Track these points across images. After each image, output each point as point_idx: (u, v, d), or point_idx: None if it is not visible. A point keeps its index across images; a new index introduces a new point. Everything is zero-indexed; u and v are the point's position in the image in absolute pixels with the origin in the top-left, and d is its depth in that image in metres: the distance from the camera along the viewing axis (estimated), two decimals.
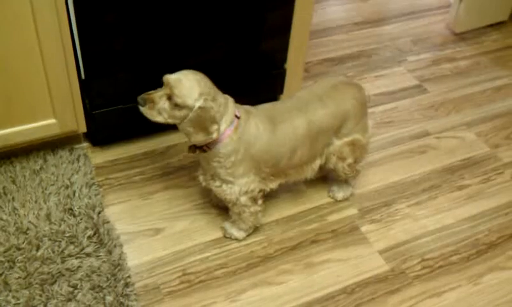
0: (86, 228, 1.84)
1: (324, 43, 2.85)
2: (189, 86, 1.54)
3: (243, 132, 1.64)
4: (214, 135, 1.59)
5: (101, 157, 2.12)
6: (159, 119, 1.60)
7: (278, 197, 1.99)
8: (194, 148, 1.68)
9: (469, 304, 1.73)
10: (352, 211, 1.99)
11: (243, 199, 1.73)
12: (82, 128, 2.04)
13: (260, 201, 1.78)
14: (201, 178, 1.79)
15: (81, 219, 1.86)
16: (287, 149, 1.72)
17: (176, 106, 1.55)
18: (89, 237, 1.81)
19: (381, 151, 2.24)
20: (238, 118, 1.63)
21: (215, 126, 1.58)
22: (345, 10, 3.14)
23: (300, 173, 1.83)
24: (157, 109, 1.58)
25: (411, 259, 1.84)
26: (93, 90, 1.95)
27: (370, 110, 2.38)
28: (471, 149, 2.28)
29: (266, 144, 1.68)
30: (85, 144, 2.15)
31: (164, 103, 1.56)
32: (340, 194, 1.99)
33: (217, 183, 1.73)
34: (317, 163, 1.84)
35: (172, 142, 2.20)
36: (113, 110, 2.03)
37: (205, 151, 1.66)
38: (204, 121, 1.56)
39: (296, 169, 1.80)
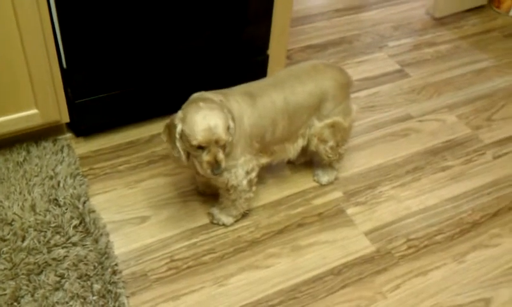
0: (72, 218, 1.83)
1: (305, 30, 2.86)
2: (222, 124, 1.54)
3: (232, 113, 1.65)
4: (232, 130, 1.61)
5: (85, 147, 2.11)
6: (224, 164, 1.60)
7: (264, 183, 2.00)
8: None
9: (454, 282, 1.76)
10: (337, 194, 2.01)
11: (245, 182, 1.73)
12: (65, 118, 2.02)
13: (254, 187, 1.79)
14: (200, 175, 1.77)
15: (66, 209, 1.85)
16: (269, 122, 1.73)
17: (225, 146, 1.58)
18: (75, 227, 1.80)
19: (364, 135, 2.26)
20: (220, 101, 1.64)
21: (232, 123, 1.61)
22: None
23: (283, 151, 1.84)
24: (223, 161, 1.58)
25: (396, 240, 1.86)
26: (75, 79, 1.93)
27: (353, 95, 2.40)
28: (453, 132, 2.31)
29: (251, 116, 1.68)
30: (68, 135, 2.14)
31: (221, 153, 1.57)
32: (324, 178, 2.01)
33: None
34: (299, 143, 1.85)
35: (156, 131, 2.19)
36: (96, 100, 2.02)
37: None
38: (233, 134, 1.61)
39: (279, 146, 1.81)
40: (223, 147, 1.57)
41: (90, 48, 1.88)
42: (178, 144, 1.59)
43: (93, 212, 1.86)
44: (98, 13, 1.82)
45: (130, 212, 1.89)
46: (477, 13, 3.06)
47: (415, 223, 1.92)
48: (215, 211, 1.86)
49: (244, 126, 1.67)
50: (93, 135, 2.15)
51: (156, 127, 2.20)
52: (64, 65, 1.89)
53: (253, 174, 1.76)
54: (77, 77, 1.93)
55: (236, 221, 1.88)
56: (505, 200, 2.03)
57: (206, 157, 1.56)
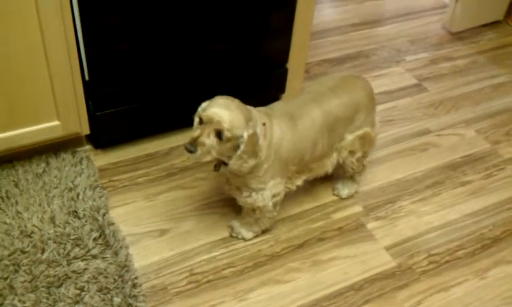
0: (91, 230, 1.82)
1: (322, 44, 2.86)
2: (235, 117, 1.50)
3: (271, 137, 1.63)
4: (262, 154, 1.58)
5: (104, 159, 2.11)
6: (208, 159, 1.55)
7: (283, 197, 1.98)
8: (221, 164, 1.65)
9: (476, 298, 1.73)
10: (357, 208, 2.00)
11: (271, 204, 1.73)
12: (86, 130, 2.03)
13: (278, 207, 1.78)
14: (226, 188, 1.77)
15: (86, 221, 1.85)
16: (309, 143, 1.72)
17: (227, 140, 1.51)
18: (94, 239, 1.80)
19: (383, 149, 2.25)
20: (264, 124, 1.61)
21: (259, 147, 1.58)
22: (342, 12, 3.16)
23: (322, 167, 1.83)
24: (208, 148, 1.51)
25: (417, 255, 1.85)
26: (96, 92, 1.94)
27: None
28: (471, 146, 2.29)
29: (291, 142, 1.67)
30: (87, 147, 2.14)
31: (212, 142, 1.51)
32: (345, 192, 2.00)
33: (246, 193, 1.70)
34: (335, 157, 1.85)
35: (175, 144, 2.19)
36: (116, 112, 2.02)
37: None
38: (254, 146, 1.55)
39: (317, 163, 1.81)
40: (220, 136, 1.50)
41: (112, 61, 1.89)
42: (195, 119, 1.58)
43: (113, 224, 1.85)
44: (121, 26, 1.83)
45: (149, 224, 1.89)
46: (493, 28, 3.06)
47: (435, 238, 1.91)
48: (235, 224, 1.85)
49: (282, 152, 1.66)
50: (112, 148, 2.15)
51: (175, 140, 2.20)
52: (87, 77, 1.90)
53: (279, 198, 1.75)
54: (99, 90, 1.94)
55: (255, 236, 1.87)
56: None
57: (194, 131, 1.52)
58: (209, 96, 2.12)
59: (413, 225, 1.95)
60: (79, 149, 2.12)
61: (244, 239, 1.85)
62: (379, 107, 2.43)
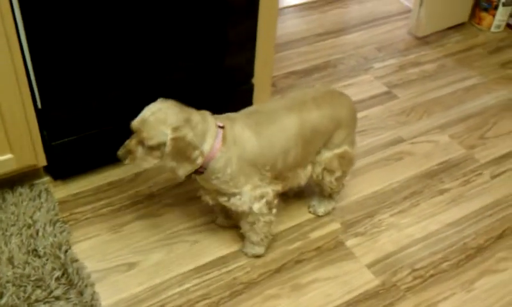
0: (53, 269, 1.69)
1: (287, 56, 2.79)
2: (155, 124, 1.47)
3: (231, 141, 1.56)
4: (199, 161, 1.51)
5: (64, 191, 1.98)
6: (145, 166, 1.55)
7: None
8: (193, 172, 1.58)
9: None
10: (335, 226, 1.91)
11: (256, 206, 1.63)
12: (42, 162, 1.90)
13: (274, 210, 1.68)
14: (207, 198, 1.70)
15: (47, 260, 1.72)
16: (279, 149, 1.63)
17: (152, 148, 1.50)
18: (57, 279, 1.67)
19: (358, 161, 2.17)
20: (222, 127, 1.55)
21: (196, 152, 1.49)
22: (306, 22, 3.09)
23: (296, 177, 1.74)
24: (138, 158, 1.53)
25: (401, 271, 1.76)
26: (51, 120, 1.81)
27: None
28: (447, 153, 2.24)
29: (257, 146, 1.59)
30: (46, 179, 2.01)
31: (140, 151, 1.52)
32: (321, 209, 1.91)
33: (225, 198, 1.64)
34: (309, 169, 1.76)
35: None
36: (74, 140, 1.90)
37: (201, 172, 1.57)
38: (183, 150, 1.48)
39: (292, 172, 1.71)
40: (143, 144, 1.50)
41: (66, 87, 1.77)
42: None
43: (76, 261, 1.72)
44: (73, 48, 1.71)
45: (115, 258, 1.76)
46: (459, 30, 3.03)
47: (418, 251, 1.83)
48: (244, 245, 1.78)
49: (247, 156, 1.58)
50: (72, 178, 2.02)
51: None
52: (39, 105, 1.77)
53: (269, 198, 1.64)
54: (53, 118, 1.81)
55: (229, 261, 1.76)
56: (508, 221, 1.95)
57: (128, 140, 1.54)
58: None
59: (394, 239, 1.87)
60: (36, 181, 1.99)
61: (255, 255, 1.77)
62: None
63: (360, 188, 2.05)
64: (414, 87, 2.60)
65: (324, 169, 1.75)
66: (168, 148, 1.47)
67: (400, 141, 2.28)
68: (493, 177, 2.13)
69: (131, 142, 1.52)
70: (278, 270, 1.75)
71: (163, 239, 1.83)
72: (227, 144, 1.55)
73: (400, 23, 3.08)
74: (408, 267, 1.78)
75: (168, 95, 1.98)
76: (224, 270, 1.74)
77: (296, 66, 2.71)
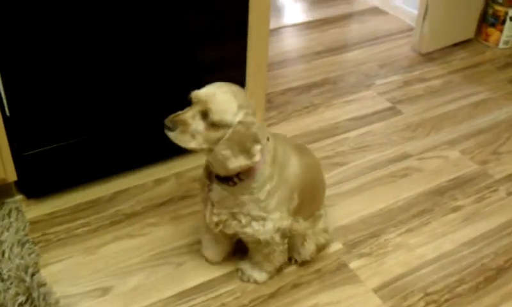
0: (17, 294, 1.49)
1: (285, 73, 2.64)
2: (225, 99, 1.27)
3: (275, 155, 1.39)
4: (257, 158, 1.29)
5: (38, 210, 1.79)
6: (193, 145, 1.29)
7: None
8: (219, 180, 1.38)
9: None
10: (337, 246, 1.71)
11: (277, 237, 1.44)
12: (12, 176, 1.72)
13: (286, 239, 1.50)
14: (213, 219, 1.45)
15: (11, 284, 1.52)
16: (311, 178, 1.53)
17: (213, 125, 1.27)
18: (20, 305, 1.47)
19: (359, 177, 1.99)
20: (267, 139, 1.38)
21: (258, 147, 1.29)
22: (304, 40, 2.96)
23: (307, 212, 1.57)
24: (190, 132, 1.28)
25: (412, 295, 1.56)
26: (21, 129, 1.64)
27: (342, 136, 2.17)
28: (458, 168, 2.05)
29: (296, 164, 1.45)
30: (18, 197, 1.82)
31: (198, 124, 1.28)
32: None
33: (244, 221, 1.41)
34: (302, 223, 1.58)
35: (121, 187, 1.89)
36: (47, 152, 1.72)
37: (234, 183, 1.36)
38: (245, 139, 1.28)
39: (307, 207, 1.54)
40: (205, 118, 1.27)
41: (36, 92, 1.60)
42: None
43: (44, 285, 1.53)
44: (42, 50, 1.55)
45: (89, 282, 1.56)
46: (465, 47, 2.88)
47: (431, 274, 1.62)
48: (245, 266, 1.57)
49: (286, 175, 1.41)
50: (47, 196, 1.83)
51: (121, 183, 1.90)
52: (7, 112, 1.60)
53: (288, 230, 1.48)
54: (24, 127, 1.64)
55: (218, 285, 1.56)
56: None
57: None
58: (159, 135, 1.87)
59: (404, 260, 1.67)
60: (7, 200, 1.81)
61: (257, 282, 1.56)
62: (352, 133, 2.21)
63: (362, 205, 1.86)
64: (420, 103, 2.43)
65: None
66: (231, 131, 1.27)
67: (406, 156, 2.10)
68: (510, 194, 1.94)
69: (187, 113, 1.28)
70: (273, 296, 1.55)
71: (144, 261, 1.63)
72: (271, 157, 1.37)
73: (402, 41, 2.94)
74: (419, 291, 1.57)
75: (154, 110, 1.84)
76: (211, 295, 1.54)
77: (293, 83, 2.55)
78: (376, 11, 3.26)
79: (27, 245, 1.65)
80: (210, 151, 1.31)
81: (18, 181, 1.79)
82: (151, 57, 1.75)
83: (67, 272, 1.59)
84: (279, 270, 1.59)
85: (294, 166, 1.44)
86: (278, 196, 1.40)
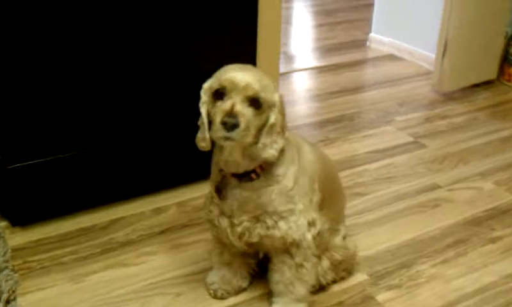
0: None
1: (297, 111, 2.49)
2: (261, 77, 1.13)
3: (291, 143, 1.23)
4: (287, 134, 1.17)
5: (24, 237, 1.60)
6: (249, 139, 1.11)
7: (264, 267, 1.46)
8: (239, 178, 1.19)
9: None
10: (361, 277, 1.48)
11: (309, 236, 1.24)
12: None
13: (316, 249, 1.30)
14: (236, 230, 1.24)
15: None
16: (328, 169, 1.38)
17: (260, 109, 1.11)
18: None
19: (384, 207, 1.78)
20: None
21: (286, 120, 1.18)
22: (318, 83, 2.83)
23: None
24: (250, 121, 1.10)
25: None
26: (6, 137, 1.48)
27: (361, 168, 1.99)
28: (493, 199, 1.84)
29: (312, 152, 1.30)
30: (3, 224, 1.63)
31: (249, 112, 1.10)
32: None
33: (270, 222, 1.21)
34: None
35: (117, 215, 1.70)
36: (35, 168, 1.54)
37: (257, 176, 1.18)
38: (283, 115, 1.16)
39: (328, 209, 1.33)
40: (253, 102, 1.10)
41: (21, 99, 1.45)
42: (202, 109, 1.16)
43: None
44: (33, 53, 1.42)
45: None
46: (488, 88, 2.73)
47: None
48: (280, 302, 1.32)
49: (303, 161, 1.24)
50: (36, 223, 1.64)
51: (117, 211, 1.71)
52: None
53: (317, 229, 1.26)
54: (8, 135, 1.48)
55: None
56: None
57: (223, 105, 1.09)
58: (160, 161, 1.72)
59: (440, 293, 1.43)
60: None
61: None
62: (372, 166, 2.03)
63: (389, 236, 1.64)
64: (444, 138, 2.25)
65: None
66: (276, 112, 1.13)
67: (435, 187, 1.90)
68: None
69: (236, 103, 1.08)
70: None
71: (138, 291, 1.41)
72: (289, 144, 1.22)
73: (421, 83, 2.80)
74: None
75: (144, 137, 1.67)
76: None
77: (306, 120, 2.40)
78: (391, 57, 3.15)
79: (5, 272, 1.44)
80: (245, 146, 1.14)
81: (3, 206, 1.61)
82: (150, 76, 1.61)
83: (47, 301, 1.37)
84: None
85: (307, 153, 1.28)
86: (303, 184, 1.22)
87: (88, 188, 1.68)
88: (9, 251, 1.53)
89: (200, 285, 1.43)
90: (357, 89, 2.74)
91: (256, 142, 1.13)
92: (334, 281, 1.42)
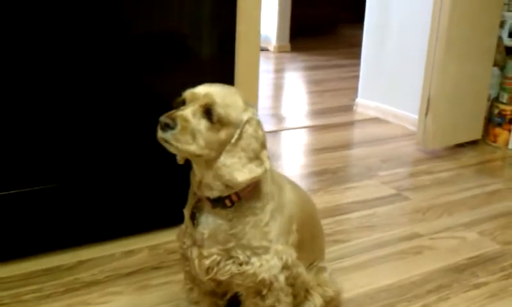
0: None
1: (283, 164, 2.46)
2: (230, 94, 1.09)
3: (272, 177, 1.18)
4: (267, 165, 1.09)
5: None
6: (193, 148, 1.06)
7: None
8: (213, 203, 1.13)
9: None
10: None
11: (282, 278, 1.16)
12: None
13: (290, 289, 1.21)
14: (204, 263, 1.16)
15: None
16: (308, 215, 1.31)
17: (217, 123, 1.06)
18: None
19: (364, 253, 1.72)
20: None
21: (265, 152, 1.10)
22: (302, 141, 2.83)
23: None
24: (191, 131, 1.05)
25: None
26: None
27: (342, 217, 1.94)
28: (477, 248, 1.78)
29: (291, 192, 1.23)
30: None
31: (199, 123, 1.05)
32: None
33: (242, 257, 1.14)
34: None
35: (86, 257, 1.63)
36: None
37: (232, 203, 1.12)
38: (255, 144, 1.09)
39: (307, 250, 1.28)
40: (208, 114, 1.05)
41: None
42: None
43: None
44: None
45: None
46: (473, 147, 2.73)
47: None
48: None
49: (283, 199, 1.19)
50: (1, 263, 1.57)
51: (86, 253, 1.65)
52: None
53: (292, 271, 1.19)
54: None
55: None
56: None
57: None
58: (133, 203, 1.67)
59: None
60: None
61: None
62: (353, 215, 1.98)
63: (368, 280, 1.57)
64: (429, 191, 2.21)
65: None
66: (239, 132, 1.07)
67: (416, 236, 1.84)
68: None
69: (186, 110, 1.05)
70: None
71: None
72: (271, 175, 1.17)
73: (406, 143, 2.80)
74: None
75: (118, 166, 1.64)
76: None
77: (292, 172, 2.36)
78: (376, 120, 3.17)
79: None
80: (208, 162, 1.08)
81: None
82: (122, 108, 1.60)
83: None
84: None
85: (289, 192, 1.22)
86: (280, 222, 1.16)
87: (56, 229, 1.63)
88: None
89: None
90: (342, 147, 2.73)
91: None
92: None
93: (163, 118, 1.04)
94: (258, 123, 1.10)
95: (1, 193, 1.50)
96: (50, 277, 1.53)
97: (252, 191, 1.13)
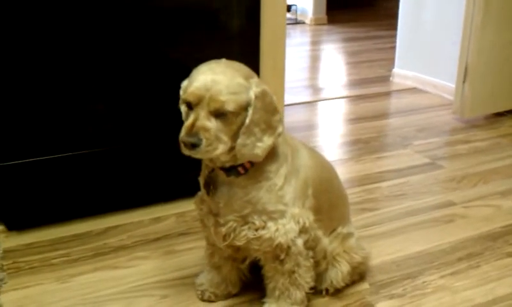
0: None
1: (313, 134, 2.43)
2: (229, 79, 1.05)
3: (285, 140, 1.18)
4: (280, 130, 1.10)
5: (16, 240, 1.58)
6: (220, 149, 1.06)
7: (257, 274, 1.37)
8: (227, 172, 1.13)
9: None
10: (362, 286, 1.38)
11: (299, 242, 1.16)
12: None
13: (311, 253, 1.21)
14: (220, 230, 1.17)
15: None
16: (327, 176, 1.31)
17: (232, 115, 1.05)
18: None
19: (395, 221, 1.69)
20: None
21: (278, 116, 1.10)
22: (335, 111, 2.78)
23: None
24: (214, 137, 1.05)
25: None
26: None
27: (374, 185, 1.90)
28: None
29: (307, 157, 1.22)
30: None
31: (216, 126, 1.05)
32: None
33: (258, 222, 1.13)
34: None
35: (115, 223, 1.66)
36: (30, 168, 1.53)
37: (245, 170, 1.12)
38: (268, 111, 1.08)
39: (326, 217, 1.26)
40: (219, 114, 1.04)
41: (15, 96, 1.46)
42: (181, 107, 1.13)
43: None
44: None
45: None
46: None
47: None
48: (271, 304, 1.23)
49: (297, 164, 1.18)
50: (33, 229, 1.62)
51: (116, 219, 1.67)
52: None
53: (312, 234, 1.20)
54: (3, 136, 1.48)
55: None
56: None
57: (187, 120, 1.06)
58: (162, 173, 1.69)
59: (447, 303, 1.31)
60: None
61: None
62: (383, 184, 1.93)
63: (397, 247, 1.54)
64: (463, 160, 2.15)
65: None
66: (251, 112, 1.06)
67: (450, 204, 1.79)
68: None
69: (200, 117, 1.04)
70: None
71: (123, 292, 1.35)
72: (283, 138, 1.17)
73: (443, 112, 2.72)
74: None
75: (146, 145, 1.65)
76: None
77: (319, 143, 2.33)
78: (414, 90, 3.09)
79: None
80: (232, 148, 1.09)
81: (0, 210, 1.60)
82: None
83: (31, 299, 1.32)
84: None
85: (305, 156, 1.21)
86: (294, 186, 1.15)
87: (86, 196, 1.66)
88: (1, 252, 1.50)
89: (186, 289, 1.36)
90: (377, 116, 2.68)
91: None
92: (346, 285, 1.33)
93: (185, 138, 1.04)
94: (265, 93, 1.08)
95: (31, 159, 1.53)
96: (78, 242, 1.57)
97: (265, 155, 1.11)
